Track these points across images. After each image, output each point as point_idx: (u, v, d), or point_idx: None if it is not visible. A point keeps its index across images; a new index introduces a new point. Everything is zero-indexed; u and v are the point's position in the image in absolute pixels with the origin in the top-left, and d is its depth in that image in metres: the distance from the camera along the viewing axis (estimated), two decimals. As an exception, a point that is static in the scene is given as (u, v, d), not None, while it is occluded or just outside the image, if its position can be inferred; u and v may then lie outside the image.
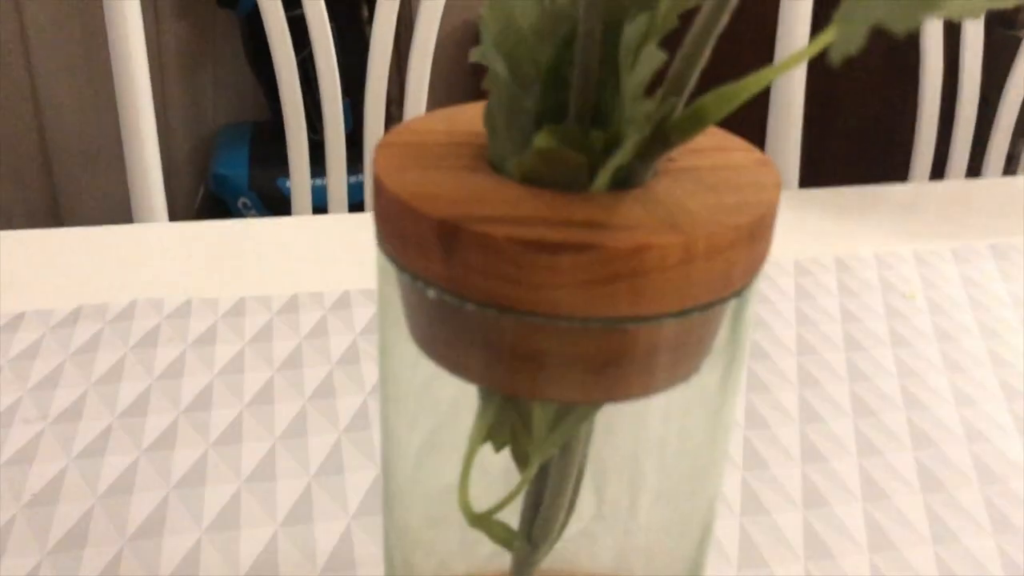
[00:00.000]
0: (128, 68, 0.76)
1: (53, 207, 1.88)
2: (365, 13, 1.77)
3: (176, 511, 0.35)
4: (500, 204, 0.14)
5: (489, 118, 0.15)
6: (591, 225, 0.13)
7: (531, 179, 0.14)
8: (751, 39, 1.14)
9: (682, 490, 0.18)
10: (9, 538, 0.34)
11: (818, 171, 1.64)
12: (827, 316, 0.51)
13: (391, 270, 0.15)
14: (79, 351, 0.45)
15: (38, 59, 1.76)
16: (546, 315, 0.13)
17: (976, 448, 0.41)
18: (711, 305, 0.14)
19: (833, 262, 0.57)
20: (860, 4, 0.10)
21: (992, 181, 0.72)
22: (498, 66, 0.14)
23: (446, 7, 0.83)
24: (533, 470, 0.16)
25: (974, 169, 0.94)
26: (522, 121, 0.14)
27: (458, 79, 1.78)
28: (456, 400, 0.17)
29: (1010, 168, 0.98)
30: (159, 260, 0.54)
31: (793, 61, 0.12)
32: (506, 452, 0.16)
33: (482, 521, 0.17)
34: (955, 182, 0.74)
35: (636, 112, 0.13)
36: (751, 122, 1.05)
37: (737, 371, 0.16)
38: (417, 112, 0.87)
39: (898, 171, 0.93)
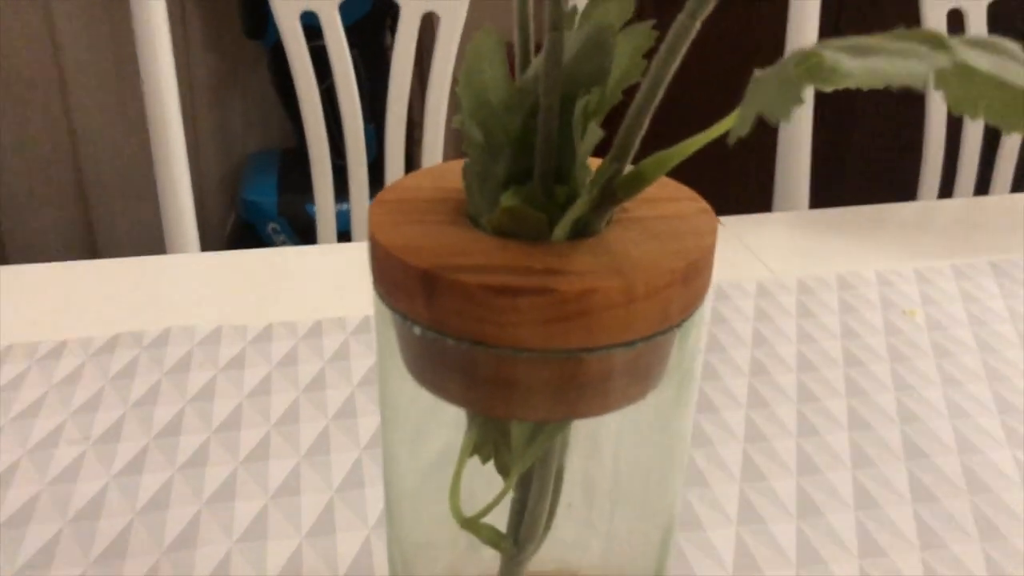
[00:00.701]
0: (160, 99, 0.79)
1: (88, 234, 1.93)
2: (388, 40, 1.82)
3: (208, 524, 0.38)
4: (473, 255, 0.16)
5: (466, 179, 0.17)
6: (548, 272, 0.16)
7: (501, 232, 0.17)
8: (766, 49, 1.16)
9: (646, 495, 0.20)
10: (57, 550, 0.37)
11: (833, 186, 1.65)
12: (827, 333, 0.53)
13: (385, 309, 0.18)
14: (117, 376, 0.48)
15: (73, 91, 1.82)
16: (512, 348, 0.16)
17: (966, 459, 0.43)
18: (652, 337, 0.16)
19: (835, 280, 0.59)
20: (752, 95, 0.13)
21: (996, 199, 0.74)
22: (474, 134, 0.17)
23: (465, 33, 0.86)
24: (513, 479, 0.18)
25: (983, 187, 0.96)
26: (493, 182, 0.17)
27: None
28: (448, 421, 0.19)
29: (1019, 186, 0.99)
30: (191, 289, 0.58)
31: (702, 139, 0.15)
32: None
33: (471, 524, 0.19)
34: (959, 200, 0.76)
35: (584, 175, 0.16)
36: (762, 147, 1.08)
37: (687, 390, 0.19)
38: (436, 136, 0.90)
39: (913, 186, 0.95)
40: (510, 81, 0.17)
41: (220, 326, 0.52)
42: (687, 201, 0.18)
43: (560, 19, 0.17)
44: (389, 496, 0.22)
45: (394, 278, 0.17)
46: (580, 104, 0.15)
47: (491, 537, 0.19)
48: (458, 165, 0.19)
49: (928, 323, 0.55)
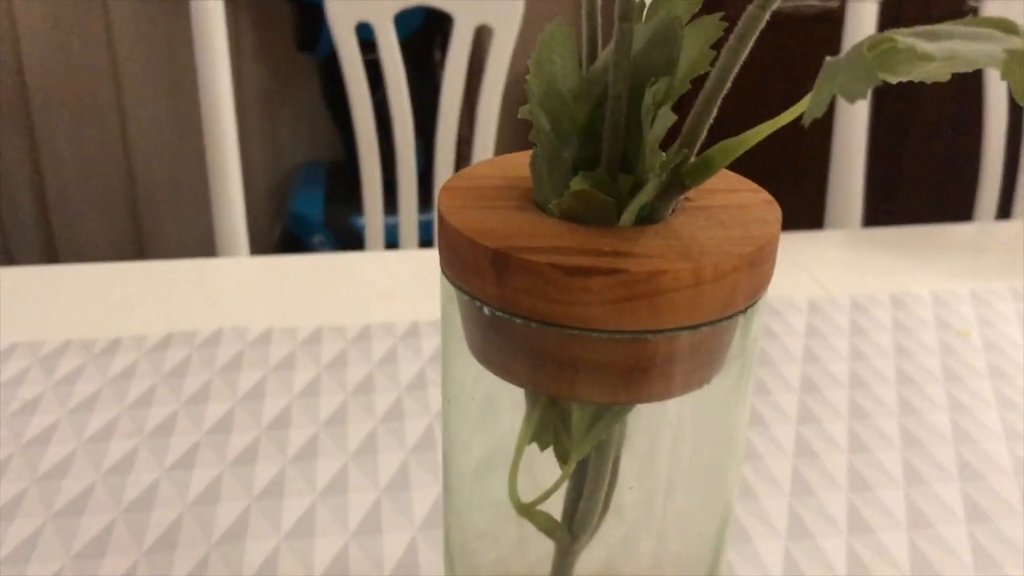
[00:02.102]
0: (216, 110, 0.81)
1: (137, 241, 1.97)
2: (438, 57, 1.83)
3: (257, 520, 0.39)
4: (543, 237, 0.16)
5: (534, 166, 0.17)
6: (617, 254, 0.16)
7: (569, 216, 0.17)
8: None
9: (703, 487, 0.20)
10: (110, 539, 0.37)
11: (886, 206, 1.63)
12: (879, 351, 0.52)
13: (452, 292, 0.18)
14: (170, 374, 0.48)
15: (129, 101, 1.86)
16: (580, 328, 0.16)
17: (1022, 481, 0.42)
18: (718, 321, 0.16)
19: (889, 299, 0.58)
20: (825, 77, 0.13)
21: (1055, 221, 0.72)
22: (542, 122, 0.17)
23: (514, 51, 0.86)
24: (572, 466, 0.18)
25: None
26: (562, 168, 0.17)
27: (525, 119, 1.82)
28: (510, 405, 0.19)
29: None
30: (243, 291, 0.58)
31: (770, 127, 0.15)
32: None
33: (527, 510, 0.19)
34: (1018, 222, 0.74)
35: (654, 161, 0.16)
36: (815, 164, 1.06)
37: (746, 380, 0.19)
38: (486, 150, 0.90)
39: (968, 206, 0.93)
40: (579, 70, 0.17)
41: (271, 328, 0.53)
42: (750, 192, 0.18)
43: (630, 11, 0.17)
44: (448, 482, 0.22)
45: (464, 259, 0.17)
46: (649, 93, 0.15)
47: (546, 525, 0.19)
48: (523, 156, 0.19)
49: (984, 344, 0.54)
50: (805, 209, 1.07)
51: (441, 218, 0.18)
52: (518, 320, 0.16)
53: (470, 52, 0.87)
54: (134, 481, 0.41)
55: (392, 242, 0.95)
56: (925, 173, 1.69)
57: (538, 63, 0.17)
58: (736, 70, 0.16)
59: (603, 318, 0.16)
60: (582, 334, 0.16)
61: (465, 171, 0.19)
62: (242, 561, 0.36)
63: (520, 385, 0.18)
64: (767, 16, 0.16)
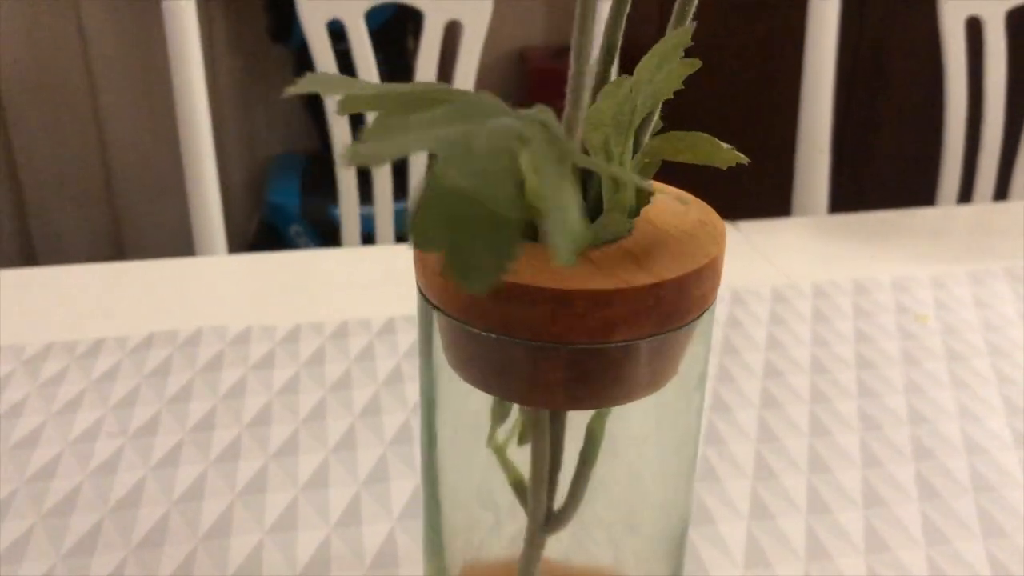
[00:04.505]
0: (190, 100, 0.81)
1: (114, 233, 1.97)
2: (411, 45, 1.84)
3: (241, 515, 0.40)
4: (562, 272, 0.18)
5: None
6: (632, 272, 0.18)
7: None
8: (786, 55, 1.17)
9: (662, 472, 0.22)
10: (99, 537, 0.39)
11: (854, 192, 1.66)
12: (840, 337, 0.54)
13: (430, 315, 0.19)
14: (152, 374, 0.50)
15: (102, 93, 1.85)
16: (608, 341, 0.18)
17: (974, 460, 0.44)
18: (696, 319, 0.18)
19: (851, 285, 0.60)
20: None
21: (1014, 205, 0.75)
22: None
23: (487, 39, 0.87)
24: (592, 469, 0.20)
25: (1002, 193, 0.96)
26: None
27: (501, 107, 1.83)
28: (481, 410, 0.21)
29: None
30: (221, 290, 0.60)
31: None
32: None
33: (503, 456, 0.21)
34: (978, 206, 0.77)
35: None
36: (782, 152, 1.08)
37: (703, 378, 0.20)
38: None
39: (934, 190, 0.95)
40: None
41: (250, 326, 0.54)
42: (684, 203, 0.20)
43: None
44: (427, 477, 0.24)
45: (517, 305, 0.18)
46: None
47: (517, 481, 0.21)
48: None
49: (941, 328, 0.56)
50: (773, 197, 1.09)
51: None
52: (562, 348, 0.18)
53: (440, 47, 0.88)
54: (120, 480, 0.42)
55: (368, 231, 0.96)
56: (893, 157, 1.72)
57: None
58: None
59: (632, 330, 0.17)
60: (614, 345, 0.18)
61: None
62: (228, 555, 0.38)
63: (532, 405, 0.19)
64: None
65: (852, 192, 1.61)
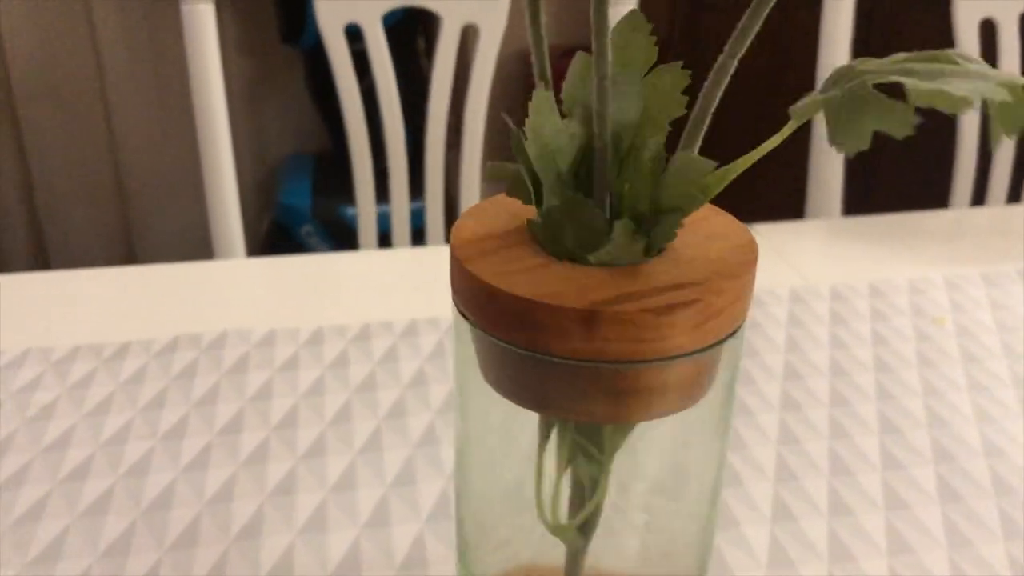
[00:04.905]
0: (208, 105, 0.82)
1: (125, 234, 1.98)
2: (421, 45, 1.84)
3: (272, 516, 0.41)
4: (605, 287, 0.18)
5: (551, 224, 0.19)
6: (677, 287, 0.18)
7: (604, 262, 0.19)
8: (798, 56, 1.17)
9: (690, 482, 0.22)
10: (133, 538, 0.39)
11: (866, 193, 1.66)
12: (859, 339, 0.55)
13: (467, 332, 0.20)
14: (179, 376, 0.50)
15: (113, 95, 1.86)
16: (664, 358, 0.18)
17: (993, 462, 0.45)
18: (734, 332, 0.19)
19: (867, 288, 0.61)
20: (842, 120, 0.15)
21: (1026, 207, 0.75)
22: (550, 180, 0.19)
23: (504, 43, 0.88)
24: (606, 482, 0.20)
25: (1016, 195, 0.96)
26: (594, 223, 0.18)
27: (514, 104, 1.85)
28: (516, 428, 0.21)
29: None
30: (244, 293, 0.60)
31: (760, 152, 0.17)
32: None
33: (560, 529, 0.21)
34: (990, 209, 0.77)
35: (670, 196, 0.18)
36: (795, 155, 1.09)
37: (733, 394, 0.21)
38: (475, 136, 0.91)
39: (947, 192, 0.96)
40: (564, 128, 0.19)
41: (274, 329, 0.54)
42: (720, 221, 0.21)
43: (605, 69, 0.19)
44: (463, 486, 0.24)
45: (535, 321, 0.18)
46: (627, 144, 0.18)
47: (567, 536, 0.21)
48: (493, 204, 0.22)
49: (957, 330, 0.56)
50: (788, 198, 1.09)
51: (493, 288, 0.19)
52: (604, 366, 0.18)
53: (457, 50, 0.89)
54: (152, 482, 0.43)
55: (384, 230, 0.96)
56: (904, 157, 1.72)
57: (534, 129, 0.19)
58: (711, 111, 0.18)
59: (687, 344, 0.18)
60: (664, 364, 0.18)
61: (462, 235, 0.21)
62: (260, 556, 0.39)
63: (561, 416, 0.20)
64: (735, 63, 0.18)
65: (862, 192, 1.61)
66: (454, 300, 0.20)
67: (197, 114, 0.83)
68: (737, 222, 0.21)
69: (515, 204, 0.21)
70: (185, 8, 0.78)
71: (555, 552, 0.24)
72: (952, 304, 0.59)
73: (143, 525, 0.40)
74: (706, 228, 0.21)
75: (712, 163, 0.18)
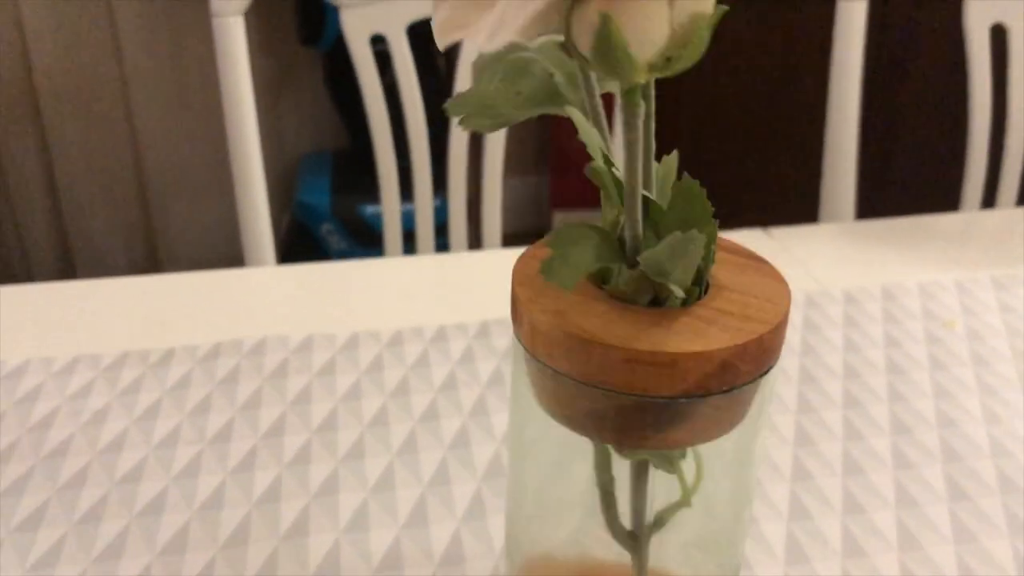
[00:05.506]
0: (238, 110, 0.84)
1: (148, 234, 2.01)
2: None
3: (317, 516, 0.43)
4: (654, 333, 0.21)
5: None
6: (704, 335, 0.21)
7: (624, 298, 0.21)
8: (811, 53, 1.19)
9: (731, 488, 0.25)
10: (187, 537, 0.42)
11: (879, 196, 1.67)
12: (871, 342, 0.57)
13: (522, 359, 0.22)
14: (224, 381, 0.53)
15: (135, 97, 1.89)
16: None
17: (1000, 462, 0.47)
18: (764, 373, 0.22)
19: (879, 291, 0.63)
20: None
21: (1036, 209, 0.77)
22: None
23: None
24: (698, 482, 0.23)
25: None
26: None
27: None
28: (566, 448, 0.24)
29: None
30: (279, 300, 0.63)
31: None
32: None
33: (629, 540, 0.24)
34: (1000, 212, 0.79)
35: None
36: (809, 159, 1.10)
37: (763, 422, 0.23)
38: (498, 137, 0.93)
39: (958, 194, 0.97)
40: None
41: (311, 335, 0.57)
42: (759, 271, 0.23)
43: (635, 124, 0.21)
44: (515, 496, 0.27)
45: (590, 358, 0.21)
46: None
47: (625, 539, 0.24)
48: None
49: (967, 332, 0.58)
50: (801, 202, 1.11)
51: (587, 336, 0.21)
52: (642, 399, 0.21)
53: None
54: (203, 483, 0.45)
55: (408, 228, 0.98)
56: (915, 159, 1.73)
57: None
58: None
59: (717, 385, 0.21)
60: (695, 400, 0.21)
61: (524, 270, 0.23)
62: (307, 555, 0.41)
63: (644, 447, 0.23)
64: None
65: (875, 194, 1.62)
66: (515, 334, 0.23)
67: (228, 122, 0.85)
68: (776, 273, 0.24)
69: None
70: (216, 21, 0.80)
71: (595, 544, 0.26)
72: (962, 307, 0.61)
73: (196, 524, 0.43)
74: (744, 277, 0.23)
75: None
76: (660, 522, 0.23)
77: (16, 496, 0.44)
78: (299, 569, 0.40)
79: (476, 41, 0.17)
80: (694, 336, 0.21)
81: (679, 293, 0.21)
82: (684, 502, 0.23)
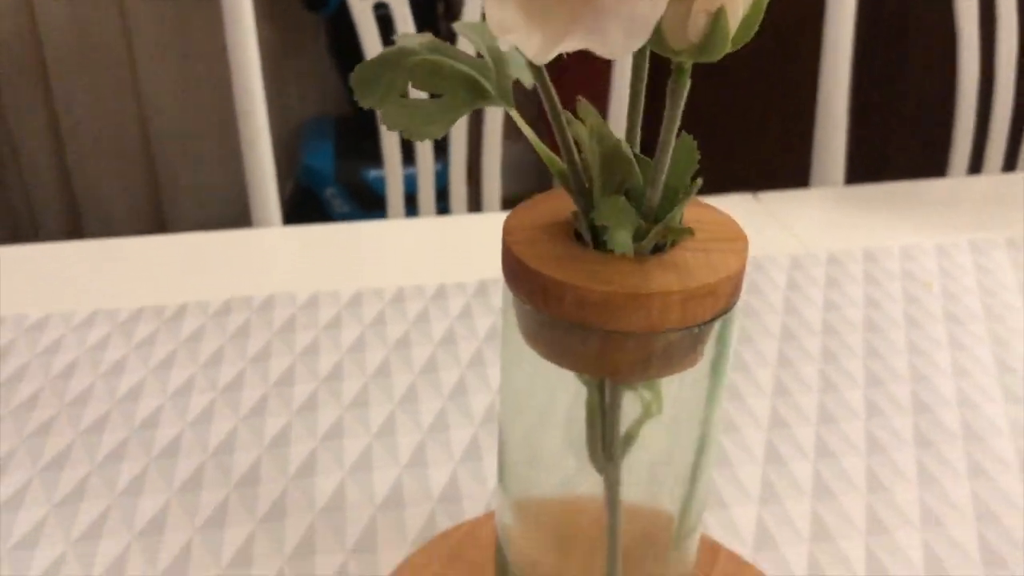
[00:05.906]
0: (245, 71, 0.86)
1: (153, 192, 2.03)
2: (441, 8, 1.88)
3: (324, 458, 0.46)
4: (626, 275, 0.24)
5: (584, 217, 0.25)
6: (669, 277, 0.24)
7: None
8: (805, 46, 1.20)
9: (694, 421, 0.28)
10: (203, 478, 0.45)
11: (874, 161, 1.69)
12: (851, 301, 0.60)
13: (511, 302, 0.25)
14: (235, 335, 0.56)
15: (141, 60, 1.90)
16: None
17: (966, 413, 0.50)
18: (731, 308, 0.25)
19: (862, 254, 0.66)
20: None
21: (1021, 176, 0.79)
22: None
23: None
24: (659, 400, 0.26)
25: (1011, 163, 1.00)
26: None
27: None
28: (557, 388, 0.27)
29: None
30: (284, 260, 0.66)
31: None
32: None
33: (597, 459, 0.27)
34: (985, 177, 0.81)
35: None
36: (802, 125, 1.12)
37: (725, 362, 0.26)
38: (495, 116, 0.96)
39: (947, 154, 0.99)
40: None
41: (317, 292, 0.60)
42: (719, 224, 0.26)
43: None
44: (506, 434, 0.30)
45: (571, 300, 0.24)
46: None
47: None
48: (545, 201, 0.27)
49: (942, 293, 0.61)
50: (794, 166, 1.13)
51: (536, 272, 0.24)
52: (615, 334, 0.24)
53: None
54: (216, 429, 0.48)
55: (410, 191, 1.01)
56: (911, 125, 1.75)
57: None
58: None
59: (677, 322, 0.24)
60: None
61: (510, 230, 0.26)
62: (314, 494, 0.44)
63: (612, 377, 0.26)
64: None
65: (872, 158, 1.64)
66: (506, 279, 0.26)
67: (235, 86, 0.87)
68: (737, 226, 0.26)
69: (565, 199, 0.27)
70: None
71: (584, 482, 0.30)
72: (940, 269, 0.64)
73: (211, 466, 0.46)
74: (708, 229, 0.26)
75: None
76: (630, 439, 0.26)
77: (42, 437, 0.48)
78: (307, 506, 0.44)
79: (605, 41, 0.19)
80: (661, 277, 0.24)
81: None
82: (650, 414, 0.26)
